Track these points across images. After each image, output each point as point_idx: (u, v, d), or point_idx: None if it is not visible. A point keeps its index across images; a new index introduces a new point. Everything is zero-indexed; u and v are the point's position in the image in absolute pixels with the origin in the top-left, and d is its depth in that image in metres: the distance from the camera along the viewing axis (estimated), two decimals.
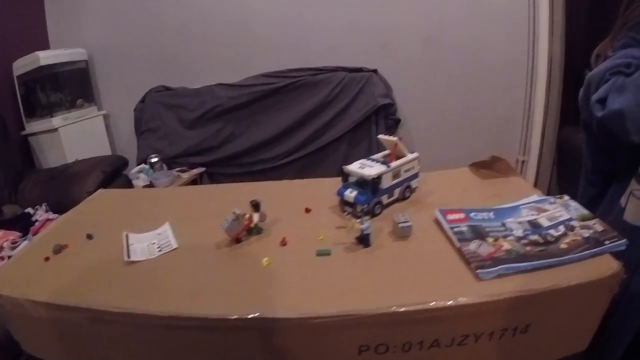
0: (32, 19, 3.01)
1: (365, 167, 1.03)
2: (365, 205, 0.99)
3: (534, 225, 0.91)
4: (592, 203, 1.08)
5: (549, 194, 1.06)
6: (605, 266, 0.77)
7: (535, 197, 1.03)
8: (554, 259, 0.79)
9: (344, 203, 1.04)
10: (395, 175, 1.06)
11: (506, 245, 0.84)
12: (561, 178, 2.81)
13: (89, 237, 1.02)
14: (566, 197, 1.00)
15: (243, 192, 1.22)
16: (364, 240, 0.87)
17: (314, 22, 2.73)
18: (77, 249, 0.98)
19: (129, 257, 0.90)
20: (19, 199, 2.45)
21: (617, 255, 0.80)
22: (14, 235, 1.93)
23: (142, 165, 2.87)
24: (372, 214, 1.01)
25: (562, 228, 0.89)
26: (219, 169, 2.88)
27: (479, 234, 0.88)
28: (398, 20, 2.68)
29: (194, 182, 2.88)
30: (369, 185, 1.00)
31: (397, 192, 1.08)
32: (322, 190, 1.11)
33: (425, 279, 0.78)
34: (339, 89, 2.66)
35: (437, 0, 2.64)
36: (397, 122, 2.77)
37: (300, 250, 0.90)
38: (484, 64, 2.71)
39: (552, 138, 2.82)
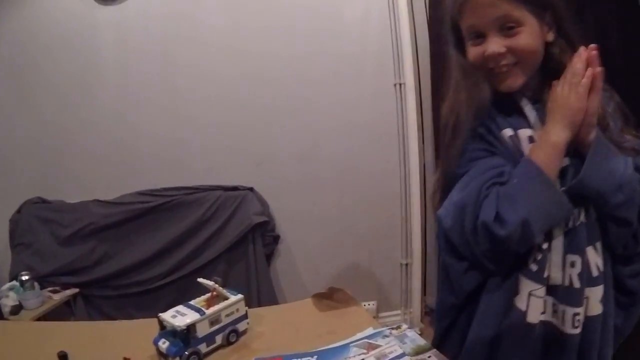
0: None
1: (178, 316, 0.98)
2: (177, 357, 0.94)
3: None
4: (451, 329, 1.07)
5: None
6: None
7: (370, 331, 1.01)
8: None
9: (159, 353, 0.98)
10: (214, 322, 1.02)
11: None
12: None
13: None
14: (404, 327, 0.99)
15: (74, 334, 1.16)
16: None
17: (192, 143, 2.78)
18: None
19: None
20: None
21: None
22: None
23: (14, 282, 2.67)
24: None
25: None
26: (94, 290, 2.70)
27: None
28: (272, 139, 2.79)
29: (67, 304, 2.70)
30: (181, 336, 0.96)
31: (219, 339, 1.04)
32: (150, 334, 1.03)
33: None
34: (215, 208, 2.64)
35: (307, 119, 2.79)
36: (276, 238, 2.78)
37: None
38: (359, 175, 2.84)
39: (435, 240, 2.89)
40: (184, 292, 2.62)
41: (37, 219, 2.81)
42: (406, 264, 2.91)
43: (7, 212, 2.86)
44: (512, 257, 0.95)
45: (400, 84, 2.80)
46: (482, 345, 0.99)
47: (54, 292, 2.69)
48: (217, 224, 2.64)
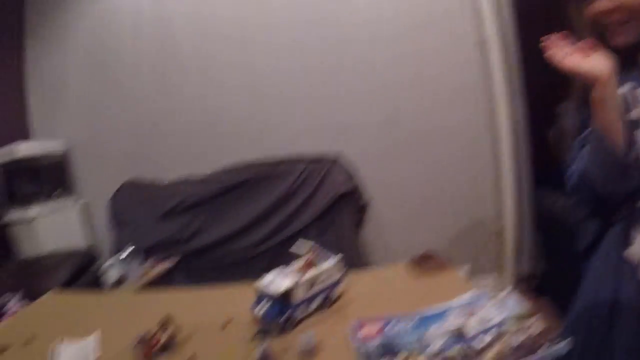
0: (14, 109, 3.11)
1: (276, 280, 1.00)
2: (274, 322, 0.96)
3: (458, 335, 0.85)
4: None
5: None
6: None
7: (468, 297, 0.99)
8: None
9: (257, 318, 1.01)
10: (310, 287, 1.03)
11: None
12: (545, 244, 2.74)
13: (27, 342, 1.03)
14: (505, 292, 0.96)
15: (177, 300, 1.25)
16: None
17: (274, 117, 2.84)
18: (14, 353, 0.99)
19: None
20: None
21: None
22: None
23: (115, 258, 2.86)
24: (283, 330, 0.97)
25: (490, 336, 0.83)
26: (191, 261, 2.84)
27: (389, 350, 0.83)
28: (355, 106, 2.77)
29: (166, 275, 2.84)
30: (278, 301, 0.97)
31: (315, 303, 1.04)
32: (248, 299, 1.05)
33: None
34: (301, 179, 2.67)
35: (390, 84, 2.74)
36: (364, 206, 2.76)
37: None
38: (444, 139, 2.76)
39: (528, 204, 2.78)
40: (276, 261, 2.65)
41: (135, 198, 3.00)
42: (498, 229, 2.80)
43: (107, 193, 3.07)
44: (616, 207, 1.00)
45: (482, 42, 2.65)
46: (598, 301, 0.98)
47: (154, 264, 2.86)
48: (305, 195, 2.67)
